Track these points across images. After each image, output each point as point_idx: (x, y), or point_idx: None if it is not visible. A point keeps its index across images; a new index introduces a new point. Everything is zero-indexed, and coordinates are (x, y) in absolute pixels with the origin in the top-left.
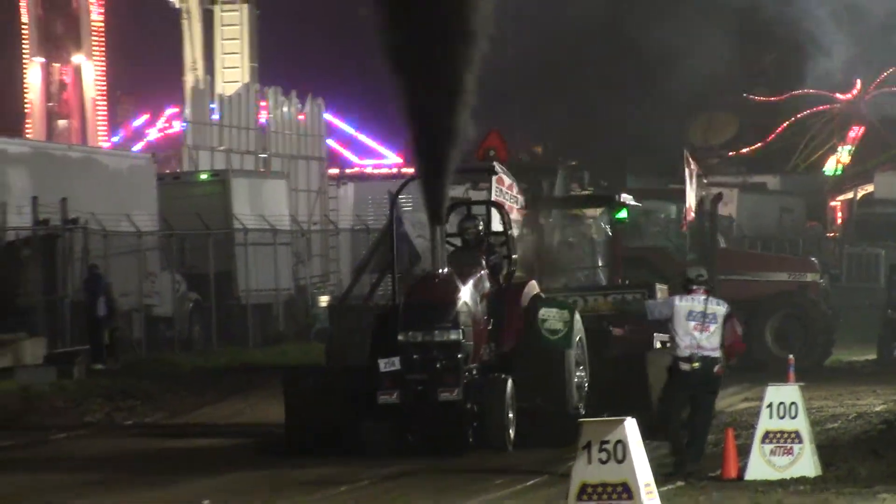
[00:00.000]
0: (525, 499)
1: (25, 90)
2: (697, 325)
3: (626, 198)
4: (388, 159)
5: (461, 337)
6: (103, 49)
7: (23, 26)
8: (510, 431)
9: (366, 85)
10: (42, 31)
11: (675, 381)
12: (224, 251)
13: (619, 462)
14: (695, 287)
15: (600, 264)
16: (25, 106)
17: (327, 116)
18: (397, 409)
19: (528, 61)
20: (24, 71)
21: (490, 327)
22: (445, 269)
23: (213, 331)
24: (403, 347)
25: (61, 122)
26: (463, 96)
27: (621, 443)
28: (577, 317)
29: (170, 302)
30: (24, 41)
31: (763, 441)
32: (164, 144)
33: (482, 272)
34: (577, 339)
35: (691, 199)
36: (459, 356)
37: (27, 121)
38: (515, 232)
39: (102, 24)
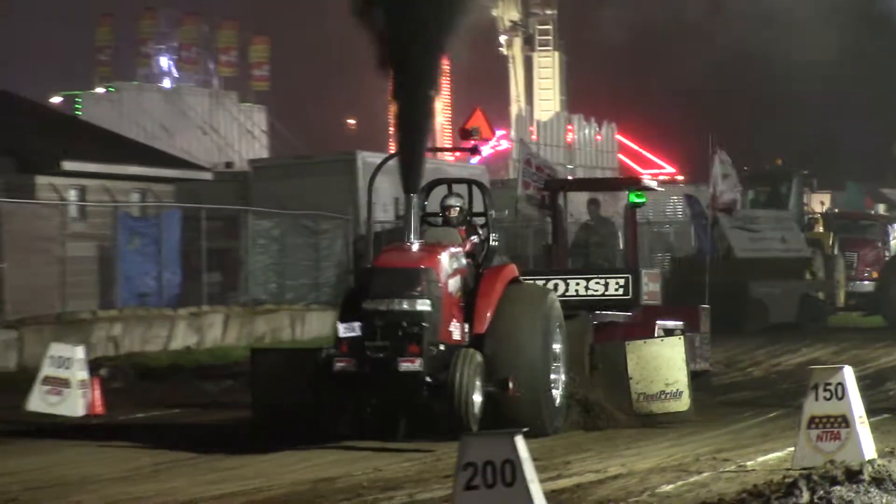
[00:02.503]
0: (767, 427)
1: (388, 116)
2: None
3: (650, 182)
4: (666, 169)
5: (429, 308)
6: (449, 85)
7: None
8: (475, 408)
9: (649, 112)
10: None
11: None
12: (544, 239)
13: (839, 399)
14: None
15: (621, 247)
16: (389, 128)
17: (619, 137)
18: (354, 379)
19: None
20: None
21: (463, 305)
22: (418, 241)
23: None
24: (367, 315)
25: None
26: (439, 67)
27: (840, 384)
28: (556, 301)
29: None
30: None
31: None
32: (495, 159)
33: (458, 249)
34: (556, 325)
35: (717, 187)
36: (425, 325)
37: (391, 139)
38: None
39: (447, 66)
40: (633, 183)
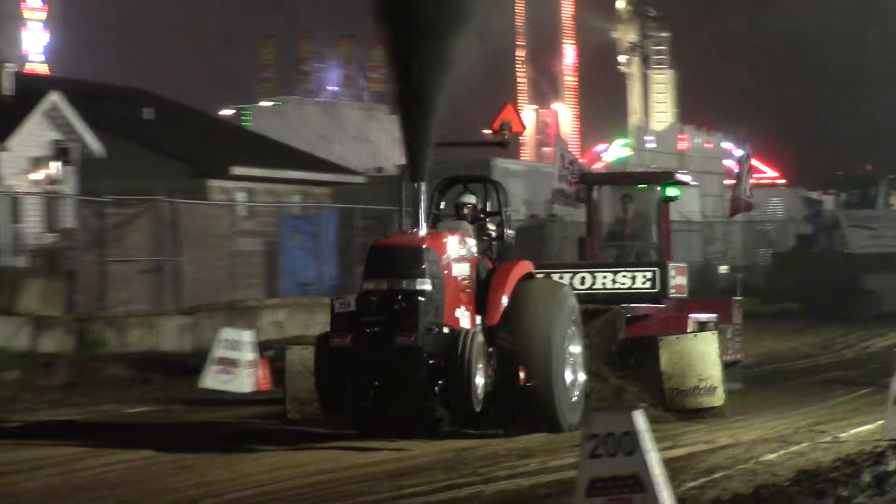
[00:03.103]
0: (858, 403)
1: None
2: None
3: (684, 177)
4: (767, 173)
5: (428, 286)
6: (574, 99)
7: (519, 85)
8: (478, 388)
9: (756, 121)
10: (533, 88)
11: None
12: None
13: None
14: None
15: (654, 240)
16: (522, 137)
17: (725, 144)
18: (351, 357)
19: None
20: (520, 114)
21: (474, 296)
22: (423, 227)
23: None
24: (367, 294)
25: (545, 149)
26: (451, 48)
27: None
28: (573, 297)
29: None
30: (521, 95)
31: None
32: (616, 165)
33: (467, 238)
34: (571, 318)
35: (741, 191)
36: (422, 300)
37: (522, 148)
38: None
39: (574, 83)
40: (666, 178)
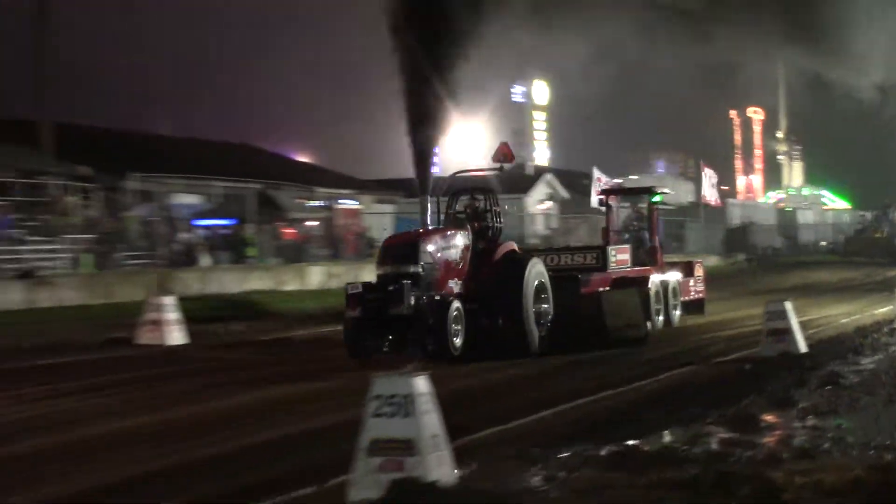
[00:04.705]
0: (885, 298)
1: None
2: None
3: (663, 190)
4: (843, 202)
5: (419, 270)
6: (762, 173)
7: (736, 153)
8: (454, 340)
9: (844, 175)
10: (743, 160)
11: None
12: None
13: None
14: None
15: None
16: (737, 191)
17: (823, 190)
18: (362, 324)
19: None
20: (735, 177)
21: (468, 269)
22: (427, 227)
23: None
24: (377, 278)
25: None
26: (444, 116)
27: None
28: (540, 265)
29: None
30: (736, 164)
31: None
32: (778, 202)
33: (463, 231)
34: (538, 281)
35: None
36: (408, 282)
37: (738, 194)
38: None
39: (760, 167)
40: (650, 189)
